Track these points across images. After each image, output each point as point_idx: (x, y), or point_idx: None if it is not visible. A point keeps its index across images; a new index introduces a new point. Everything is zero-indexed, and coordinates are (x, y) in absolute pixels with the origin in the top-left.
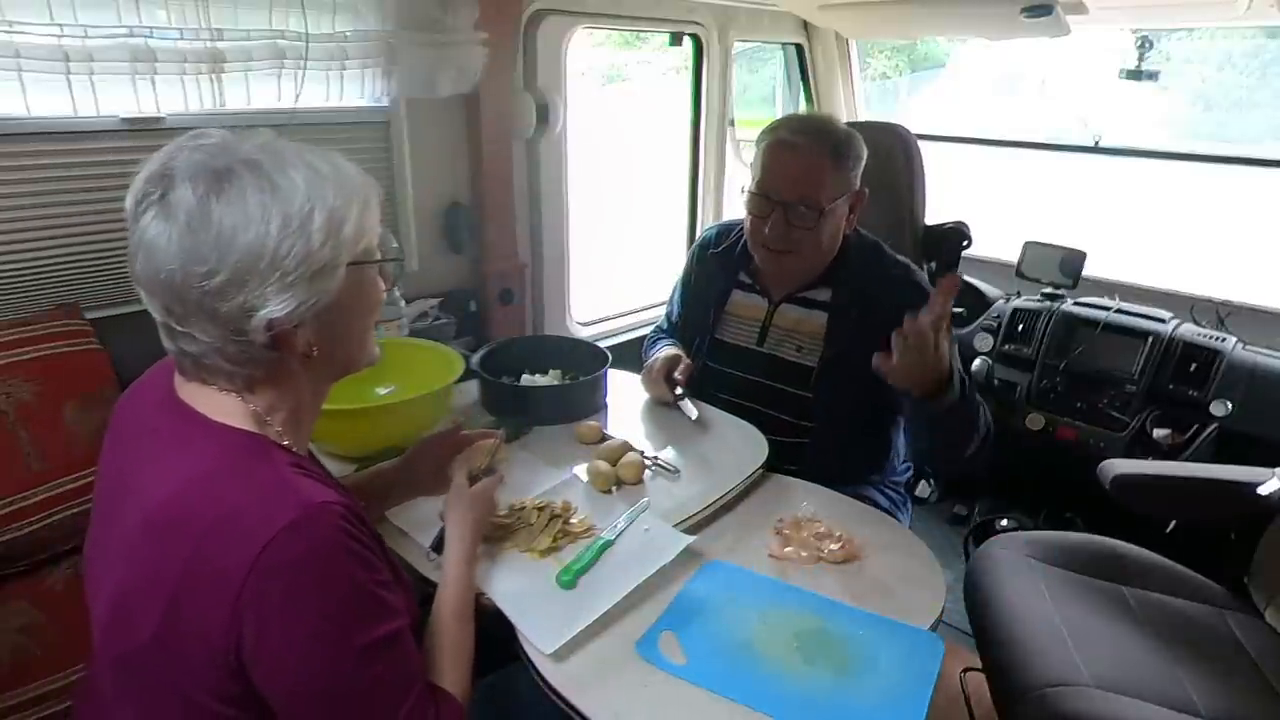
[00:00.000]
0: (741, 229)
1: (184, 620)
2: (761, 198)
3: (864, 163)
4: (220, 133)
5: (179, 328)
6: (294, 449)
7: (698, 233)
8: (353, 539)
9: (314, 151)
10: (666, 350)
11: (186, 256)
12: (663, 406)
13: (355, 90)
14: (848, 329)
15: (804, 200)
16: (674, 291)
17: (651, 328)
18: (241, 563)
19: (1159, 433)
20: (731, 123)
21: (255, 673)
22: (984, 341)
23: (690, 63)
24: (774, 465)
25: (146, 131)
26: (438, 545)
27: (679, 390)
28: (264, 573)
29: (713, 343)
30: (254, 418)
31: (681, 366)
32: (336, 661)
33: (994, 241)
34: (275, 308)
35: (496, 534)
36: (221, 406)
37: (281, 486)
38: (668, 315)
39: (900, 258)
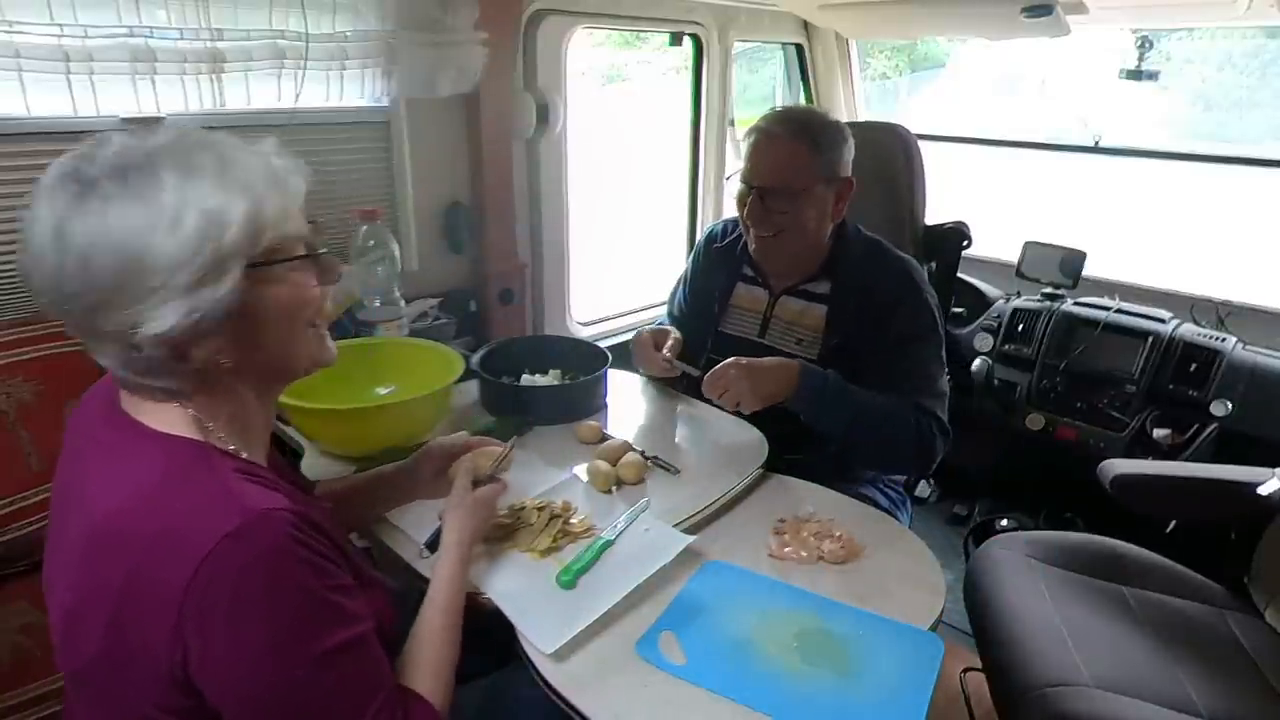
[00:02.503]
0: None
1: (127, 634)
2: (743, 185)
3: (850, 151)
4: (108, 136)
5: (85, 344)
6: (242, 454)
7: (698, 232)
8: (301, 544)
9: (208, 146)
10: (650, 327)
11: (54, 279)
12: (662, 393)
13: (355, 90)
14: (847, 322)
15: (778, 185)
16: (677, 287)
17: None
18: (182, 574)
19: (1159, 433)
20: (731, 123)
21: (204, 685)
22: (984, 341)
23: (690, 63)
24: (774, 462)
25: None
26: (432, 544)
27: (667, 355)
28: (206, 583)
29: (716, 335)
30: (195, 424)
31: (670, 342)
32: (288, 669)
33: (994, 241)
34: (155, 324)
35: (497, 534)
36: (162, 416)
37: (223, 495)
38: (670, 312)
39: (901, 253)
